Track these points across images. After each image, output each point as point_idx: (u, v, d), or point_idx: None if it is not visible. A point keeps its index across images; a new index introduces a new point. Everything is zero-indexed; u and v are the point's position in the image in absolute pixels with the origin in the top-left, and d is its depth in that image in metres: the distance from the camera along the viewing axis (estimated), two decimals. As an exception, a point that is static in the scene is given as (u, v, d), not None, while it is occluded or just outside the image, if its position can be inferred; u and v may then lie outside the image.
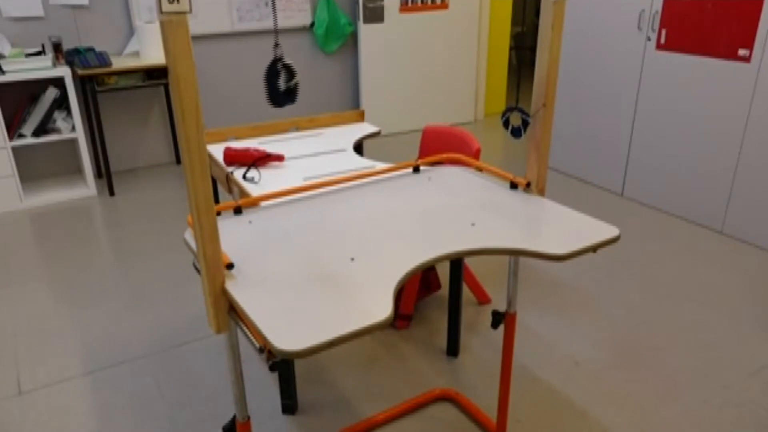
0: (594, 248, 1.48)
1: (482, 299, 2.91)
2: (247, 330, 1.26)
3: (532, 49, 8.83)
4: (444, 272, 3.14)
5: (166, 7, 1.08)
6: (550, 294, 2.98)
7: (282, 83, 1.38)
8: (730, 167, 3.40)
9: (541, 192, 1.80)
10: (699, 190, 3.60)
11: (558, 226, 1.57)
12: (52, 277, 3.18)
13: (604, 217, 3.79)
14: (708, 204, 3.57)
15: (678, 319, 2.75)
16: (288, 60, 1.38)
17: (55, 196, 4.14)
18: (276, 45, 1.34)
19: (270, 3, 4.81)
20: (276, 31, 1.45)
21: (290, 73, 1.39)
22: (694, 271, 3.15)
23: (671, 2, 3.52)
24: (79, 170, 4.53)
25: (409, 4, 5.21)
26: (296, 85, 1.41)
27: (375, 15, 5.10)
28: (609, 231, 1.55)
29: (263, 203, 1.79)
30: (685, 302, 2.88)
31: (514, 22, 8.45)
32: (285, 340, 1.12)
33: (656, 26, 3.63)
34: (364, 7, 5.03)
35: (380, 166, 2.20)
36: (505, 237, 1.52)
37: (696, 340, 2.60)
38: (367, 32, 5.12)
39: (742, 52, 3.22)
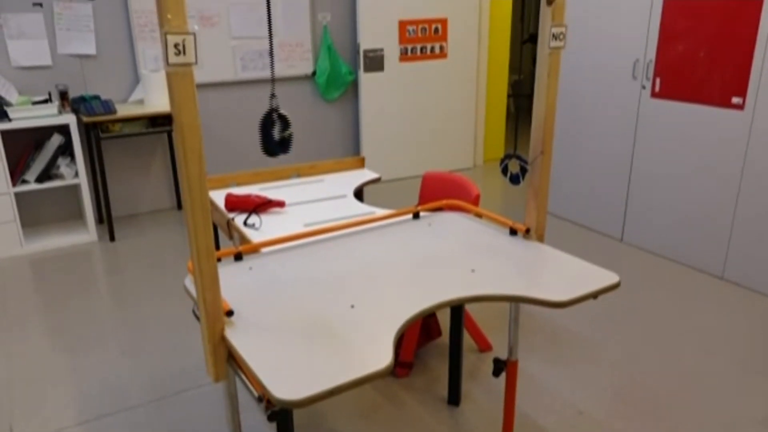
0: (595, 295, 1.48)
1: (483, 346, 2.88)
2: (245, 378, 1.25)
3: (530, 96, 8.98)
4: (444, 319, 3.12)
5: (173, 59, 1.11)
6: (552, 341, 2.95)
7: (276, 133, 1.41)
8: (728, 212, 3.42)
9: (541, 238, 1.80)
10: (698, 236, 3.61)
11: (558, 273, 1.58)
12: (49, 323, 3.16)
13: (604, 263, 3.79)
14: (708, 250, 3.57)
15: (681, 367, 2.71)
16: (283, 110, 1.41)
17: (55, 241, 4.15)
18: (272, 96, 1.38)
19: (277, 53, 4.92)
20: (273, 81, 1.49)
21: (285, 123, 1.42)
22: (695, 318, 3.13)
23: (664, 52, 3.61)
24: (80, 215, 4.55)
25: (409, 53, 5.33)
26: (290, 135, 1.43)
27: (375, 64, 5.22)
28: (609, 278, 1.55)
29: (264, 249, 1.80)
30: (688, 349, 2.85)
31: (512, 70, 8.62)
32: (284, 389, 1.10)
33: (650, 75, 3.70)
34: (365, 56, 5.15)
35: (380, 212, 2.22)
36: (505, 283, 1.52)
37: (700, 388, 2.56)
38: (367, 80, 5.22)
39: (735, 100, 3.28)
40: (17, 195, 4.27)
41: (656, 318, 3.13)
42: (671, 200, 3.73)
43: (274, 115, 1.39)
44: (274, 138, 1.41)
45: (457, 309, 2.42)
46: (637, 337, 2.96)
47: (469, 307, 3.14)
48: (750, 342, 2.90)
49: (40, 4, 4.06)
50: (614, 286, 1.53)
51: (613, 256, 3.89)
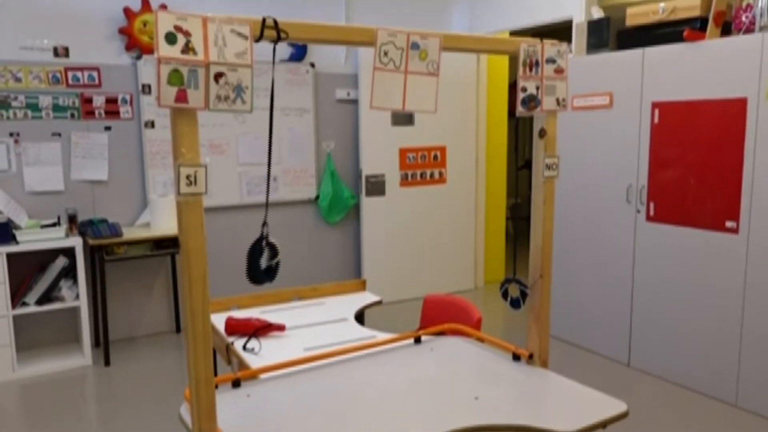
0: (603, 424, 1.43)
1: (490, 480, 2.72)
2: None
3: (527, 219, 9.17)
4: (448, 449, 2.97)
5: (185, 189, 1.17)
6: (563, 474, 2.79)
7: (264, 261, 1.44)
8: (734, 336, 3.37)
9: (544, 364, 1.77)
10: (707, 360, 3.53)
11: (564, 401, 1.53)
12: (34, 454, 3.01)
13: (611, 390, 3.67)
14: (718, 374, 3.48)
15: (702, 504, 2.54)
16: (273, 239, 1.45)
17: (49, 365, 4.06)
18: (264, 223, 1.43)
19: (274, 179, 5.10)
20: (266, 208, 1.55)
21: (273, 252, 1.46)
22: (712, 448, 2.98)
23: (656, 178, 3.74)
24: (76, 338, 4.48)
25: (409, 179, 5.52)
26: (277, 264, 1.47)
27: (377, 189, 5.39)
28: (616, 406, 1.51)
29: (263, 375, 1.76)
30: (708, 484, 2.69)
31: (509, 194, 8.88)
32: None
33: (644, 199, 3.81)
34: (367, 181, 5.33)
35: (381, 336, 2.20)
36: (509, 412, 1.48)
37: None
38: (369, 204, 5.36)
39: (729, 224, 3.35)
40: (15, 317, 4.24)
41: (671, 449, 2.98)
42: (676, 323, 3.69)
43: (263, 243, 1.43)
44: (261, 266, 1.44)
45: (461, 439, 2.32)
46: (652, 470, 2.80)
47: (474, 437, 3.00)
48: (772, 476, 2.74)
49: (59, 134, 4.28)
50: (623, 416, 1.48)
51: (621, 381, 3.78)
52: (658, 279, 3.76)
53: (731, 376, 3.41)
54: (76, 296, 4.10)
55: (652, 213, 3.77)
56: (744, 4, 3.33)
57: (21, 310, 3.92)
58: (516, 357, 1.83)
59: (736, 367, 3.38)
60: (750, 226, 3.25)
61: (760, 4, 3.23)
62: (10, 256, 4.04)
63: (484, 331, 2.12)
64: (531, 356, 1.79)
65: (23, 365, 4.04)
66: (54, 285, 4.05)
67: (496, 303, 5.51)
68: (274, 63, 1.54)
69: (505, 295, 1.86)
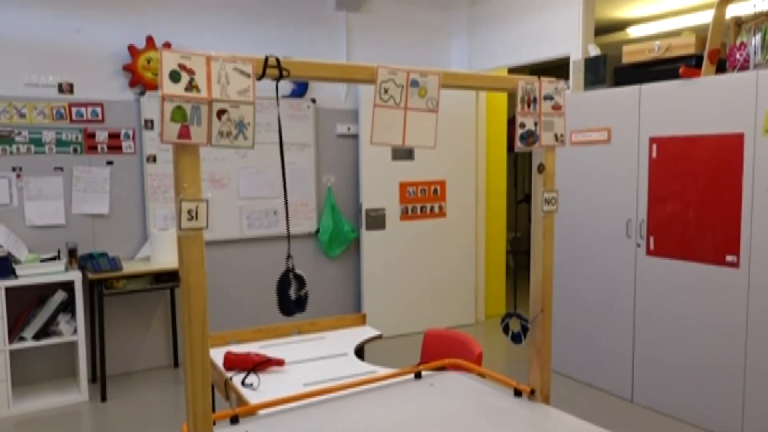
0: (606, 462, 1.41)
1: None
2: None
3: (528, 252, 9.16)
4: (450, 488, 2.91)
5: (186, 224, 1.18)
6: None
7: (293, 292, 1.46)
8: (738, 370, 3.34)
9: (546, 399, 1.76)
10: (711, 395, 3.49)
11: (566, 438, 1.51)
12: (27, 493, 2.95)
13: (614, 426, 3.62)
14: (722, 410, 3.43)
15: None
16: (299, 270, 1.47)
17: (44, 401, 4.00)
18: (288, 256, 1.45)
19: (274, 213, 5.12)
20: (288, 242, 1.57)
21: (301, 282, 1.48)
22: (719, 488, 2.92)
23: (655, 212, 3.75)
24: (73, 374, 4.43)
25: (409, 212, 5.54)
26: (306, 294, 1.49)
27: (377, 222, 5.40)
28: (620, 443, 1.49)
29: (261, 411, 1.74)
30: None
31: (509, 228, 8.88)
32: None
33: (644, 233, 3.82)
34: (367, 215, 5.35)
35: (381, 371, 2.18)
36: (512, 450, 1.46)
37: None
38: (369, 238, 5.37)
39: (729, 258, 3.35)
40: (12, 352, 4.20)
41: (676, 488, 2.92)
42: (679, 357, 3.65)
43: (290, 275, 1.46)
44: (291, 297, 1.47)
45: (462, 478, 2.28)
46: None
47: (475, 476, 2.94)
48: None
49: (62, 168, 4.31)
50: (626, 453, 1.46)
51: (624, 418, 3.73)
52: (660, 313, 3.74)
53: (736, 411, 3.36)
54: (74, 331, 4.07)
55: (652, 247, 3.77)
56: (738, 43, 3.39)
57: (18, 345, 3.89)
58: (517, 393, 1.81)
59: (741, 402, 3.33)
60: (750, 261, 3.25)
61: (753, 43, 3.30)
62: (9, 290, 4.02)
63: (485, 366, 2.10)
64: (533, 392, 1.77)
65: (19, 401, 3.98)
66: (52, 319, 4.03)
67: (496, 337, 5.47)
68: (278, 101, 1.57)
69: (506, 329, 1.85)
